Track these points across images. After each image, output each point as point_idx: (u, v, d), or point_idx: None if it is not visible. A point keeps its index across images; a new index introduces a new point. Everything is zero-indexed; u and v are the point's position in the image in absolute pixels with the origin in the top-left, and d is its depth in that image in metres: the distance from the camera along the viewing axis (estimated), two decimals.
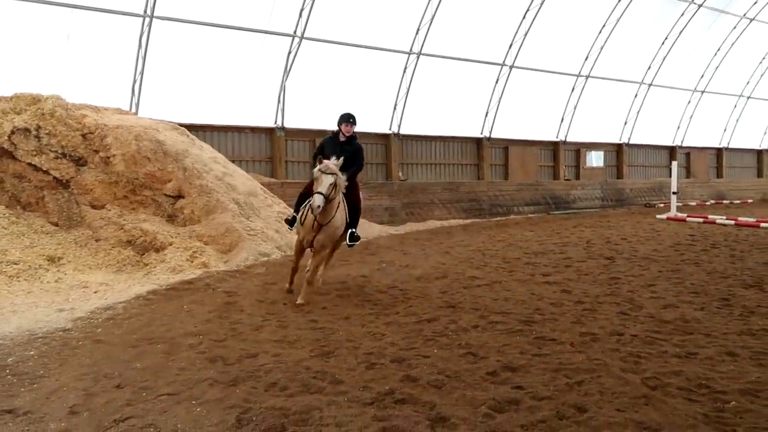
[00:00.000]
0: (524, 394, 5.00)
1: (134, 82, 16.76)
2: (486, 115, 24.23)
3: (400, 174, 22.06)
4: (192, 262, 10.64)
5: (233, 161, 15.64)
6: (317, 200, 7.72)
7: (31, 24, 15.22)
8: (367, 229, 15.09)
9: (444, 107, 22.57)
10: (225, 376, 5.34)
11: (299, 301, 8.13)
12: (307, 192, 8.51)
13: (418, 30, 20.93)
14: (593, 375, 5.48)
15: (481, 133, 24.45)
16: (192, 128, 15.44)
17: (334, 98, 19.80)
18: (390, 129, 21.56)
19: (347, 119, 8.65)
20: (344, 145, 8.57)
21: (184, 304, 8.11)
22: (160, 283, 9.45)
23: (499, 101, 24.15)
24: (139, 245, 10.99)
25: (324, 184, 7.79)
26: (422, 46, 21.18)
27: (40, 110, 12.02)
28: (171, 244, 11.04)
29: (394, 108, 21.45)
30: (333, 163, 7.98)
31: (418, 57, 21.26)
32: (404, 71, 21.26)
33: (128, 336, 6.67)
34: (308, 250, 8.65)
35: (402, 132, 21.94)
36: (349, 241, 8.56)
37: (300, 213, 8.54)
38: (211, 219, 12.03)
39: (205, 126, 17.87)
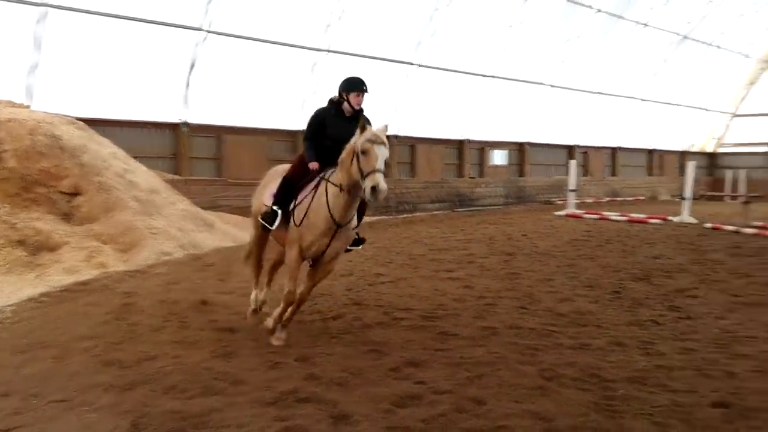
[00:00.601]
0: (426, 388, 5.09)
1: (29, 73, 15.91)
2: (395, 113, 24.43)
3: None
4: (89, 262, 10.23)
5: (135, 158, 15.09)
6: (383, 182, 5.55)
7: None
8: None
9: None
10: (121, 380, 5.16)
11: (278, 338, 6.22)
12: (295, 178, 6.38)
13: (328, 27, 20.88)
14: (493, 368, 5.64)
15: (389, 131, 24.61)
16: (91, 123, 14.78)
17: (242, 94, 19.51)
18: (299, 127, 21.38)
19: (359, 86, 6.34)
20: (353, 120, 6.15)
21: (78, 306, 7.78)
22: (53, 284, 9.04)
23: (407, 100, 24.40)
24: (32, 245, 10.45)
25: (380, 159, 5.65)
26: (330, 43, 21.14)
27: None
28: (66, 244, 10.57)
29: (303, 105, 21.30)
30: (381, 130, 5.91)
31: (327, 54, 21.21)
32: (313, 68, 21.16)
33: (17, 341, 6.35)
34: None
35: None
36: (352, 245, 6.55)
37: (297, 208, 6.15)
38: (110, 217, 11.62)
39: (106, 121, 17.16)
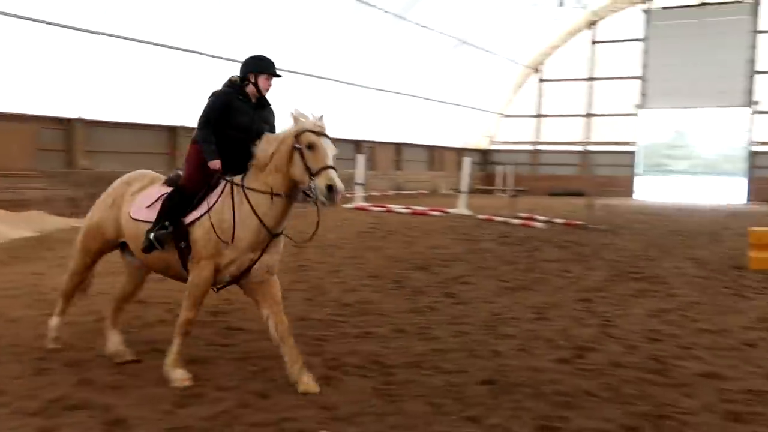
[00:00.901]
0: (209, 386, 4.99)
1: None
2: (181, 105, 23.48)
3: (86, 162, 20.40)
4: None
5: None
6: (339, 180, 4.78)
7: None
8: (43, 222, 13.74)
9: (136, 94, 21.32)
10: None
11: (308, 384, 5.01)
12: (194, 183, 5.26)
13: (109, 10, 19.52)
14: (278, 362, 5.64)
15: (179, 123, 23.58)
16: None
17: (8, 77, 17.60)
18: (74, 114, 19.77)
19: (270, 68, 5.41)
20: (259, 108, 5.41)
21: None
22: None
23: (197, 94, 23.57)
24: None
25: (330, 154, 4.87)
26: (112, 27, 19.82)
27: None
28: None
29: (78, 93, 19.72)
30: (321, 120, 5.07)
31: (106, 38, 19.85)
32: (91, 53, 19.58)
33: None
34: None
35: (88, 118, 20.30)
36: None
37: (211, 218, 5.05)
38: None
39: None
